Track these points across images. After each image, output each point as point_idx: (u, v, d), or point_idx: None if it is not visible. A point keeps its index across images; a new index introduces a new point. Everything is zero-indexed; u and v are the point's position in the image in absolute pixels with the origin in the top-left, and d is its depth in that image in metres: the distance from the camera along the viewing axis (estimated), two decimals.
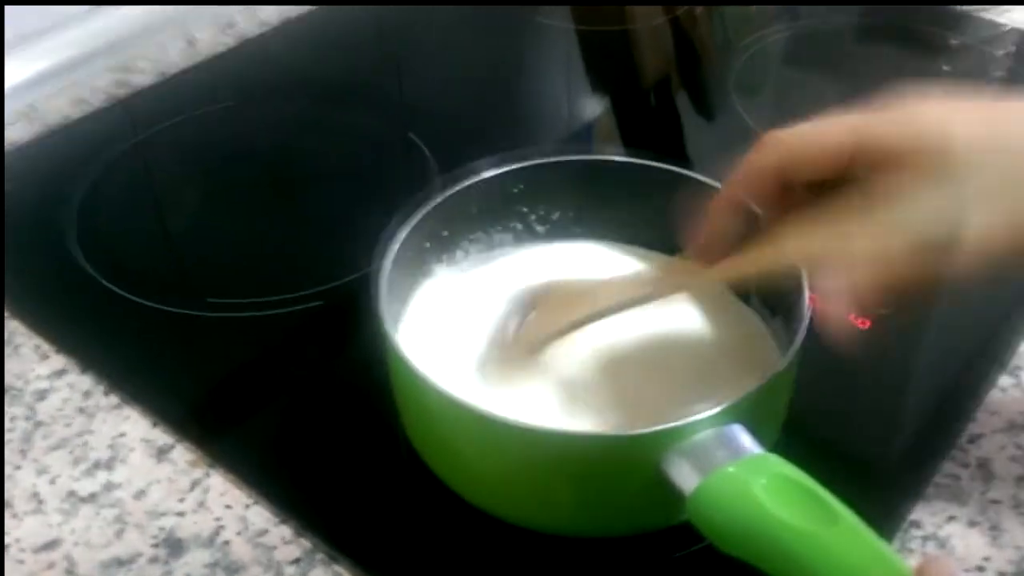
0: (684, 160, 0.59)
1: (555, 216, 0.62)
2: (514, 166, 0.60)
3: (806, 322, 0.48)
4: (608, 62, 0.95)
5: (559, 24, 0.98)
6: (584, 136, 0.85)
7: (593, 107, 0.90)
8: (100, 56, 0.91)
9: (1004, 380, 0.59)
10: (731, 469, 0.43)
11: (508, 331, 0.57)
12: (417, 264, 0.58)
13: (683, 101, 0.90)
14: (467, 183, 0.59)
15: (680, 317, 0.58)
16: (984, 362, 0.60)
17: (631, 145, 0.80)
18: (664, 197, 0.60)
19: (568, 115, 0.89)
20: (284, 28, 0.97)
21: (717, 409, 0.45)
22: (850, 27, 0.97)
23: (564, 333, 0.54)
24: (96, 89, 0.88)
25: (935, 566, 0.36)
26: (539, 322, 0.57)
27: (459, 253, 0.61)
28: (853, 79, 0.86)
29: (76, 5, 0.90)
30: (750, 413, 0.46)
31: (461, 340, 0.57)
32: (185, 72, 0.91)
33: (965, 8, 0.97)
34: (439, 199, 0.58)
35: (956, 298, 0.64)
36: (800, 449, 0.52)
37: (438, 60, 0.93)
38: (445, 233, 0.59)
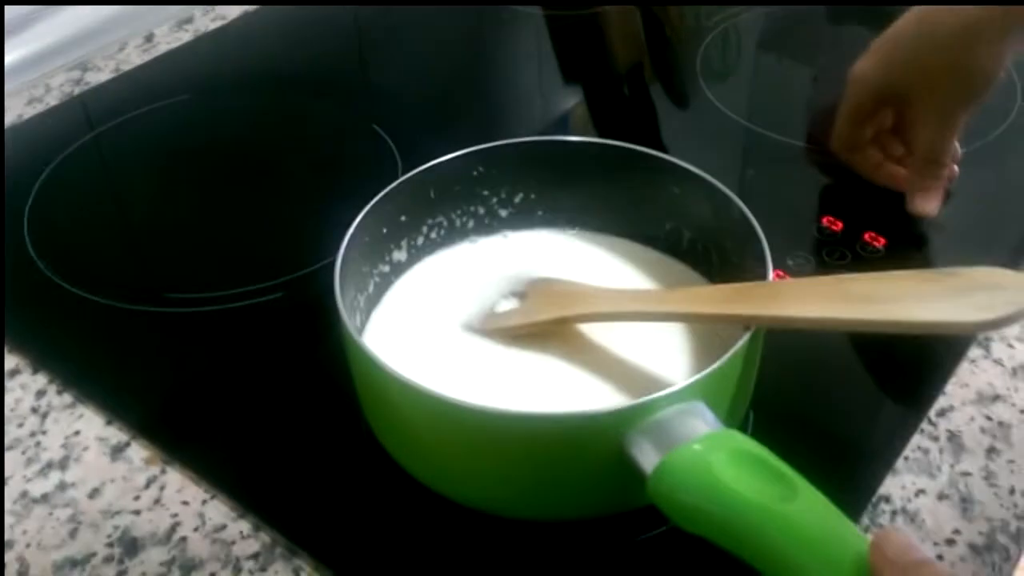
0: (660, 148, 0.58)
1: (517, 199, 0.62)
2: (472, 148, 0.59)
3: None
4: (579, 47, 0.93)
5: (529, 10, 0.97)
6: (559, 128, 0.84)
7: (567, 98, 0.89)
8: (56, 55, 0.90)
9: (974, 351, 0.58)
10: (691, 446, 0.42)
11: (493, 308, 0.57)
12: (377, 252, 0.57)
13: (656, 89, 0.89)
14: (423, 167, 0.58)
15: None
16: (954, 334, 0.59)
17: (607, 135, 0.79)
18: (626, 177, 0.59)
19: (542, 106, 0.88)
20: (242, 23, 0.96)
21: (678, 387, 0.44)
22: (821, 10, 0.96)
23: (544, 326, 0.54)
24: (52, 88, 0.87)
25: (891, 539, 0.35)
26: (525, 310, 0.56)
27: (420, 239, 0.60)
28: (824, 61, 0.86)
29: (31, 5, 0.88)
30: (712, 391, 0.45)
31: (423, 325, 0.56)
32: (142, 68, 0.89)
33: None
34: (395, 184, 0.57)
35: (926, 267, 0.64)
36: (769, 425, 0.52)
37: (403, 51, 0.92)
38: (403, 218, 0.58)
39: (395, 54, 0.92)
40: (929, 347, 0.59)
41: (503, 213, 0.62)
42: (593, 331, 0.55)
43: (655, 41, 0.96)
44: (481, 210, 0.61)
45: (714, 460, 0.41)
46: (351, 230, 0.53)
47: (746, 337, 0.46)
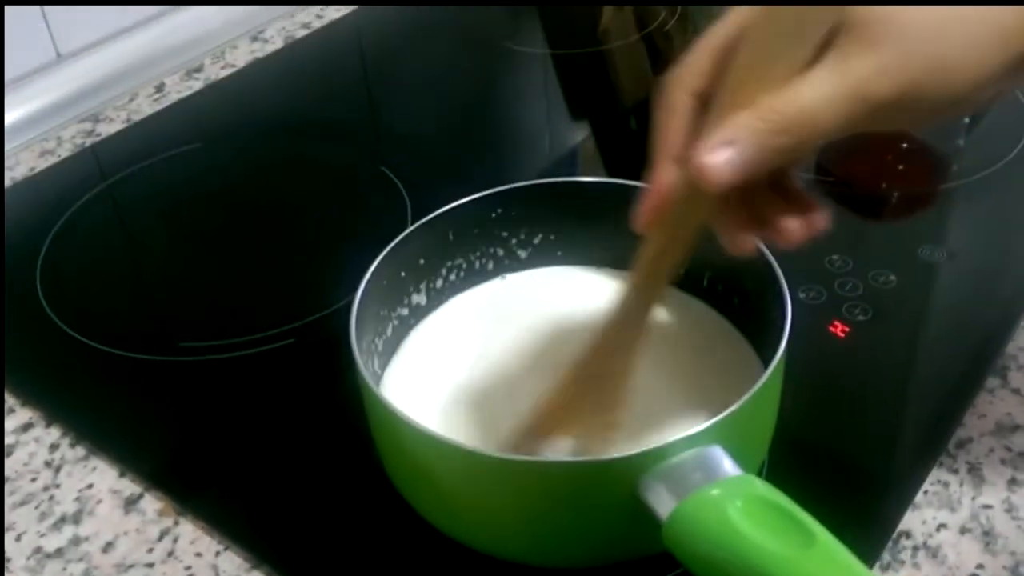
0: None
1: (536, 240, 0.61)
2: (490, 191, 0.59)
3: (784, 343, 0.47)
4: (587, 85, 0.94)
5: (535, 51, 0.98)
6: (568, 165, 0.84)
7: (575, 134, 0.89)
8: (68, 107, 0.90)
9: (991, 381, 0.57)
10: (707, 492, 0.41)
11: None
12: (395, 295, 0.57)
13: None
14: (441, 209, 0.58)
15: (660, 336, 0.57)
16: (970, 364, 0.59)
17: (616, 172, 0.79)
18: None
19: (550, 145, 0.88)
20: (251, 70, 0.96)
21: (693, 431, 0.43)
22: None
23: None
24: (64, 140, 0.87)
25: None
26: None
27: (439, 281, 0.60)
28: None
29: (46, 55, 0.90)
30: (729, 434, 0.45)
31: (443, 371, 0.56)
32: (153, 118, 0.90)
33: None
34: (413, 227, 0.57)
35: (940, 301, 0.63)
36: (787, 460, 0.51)
37: (411, 93, 0.93)
38: (422, 261, 0.58)
39: (403, 96, 0.93)
40: (945, 376, 0.59)
41: (522, 254, 0.62)
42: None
43: (661, 75, 0.96)
44: (500, 251, 0.61)
45: (730, 507, 0.40)
46: (368, 274, 0.53)
47: (764, 379, 0.46)
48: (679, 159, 0.42)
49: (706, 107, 0.42)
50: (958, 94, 0.39)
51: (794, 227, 0.42)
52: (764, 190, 0.43)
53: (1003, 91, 0.42)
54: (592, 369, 0.49)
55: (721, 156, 0.39)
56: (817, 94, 0.38)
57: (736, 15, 0.42)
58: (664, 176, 0.43)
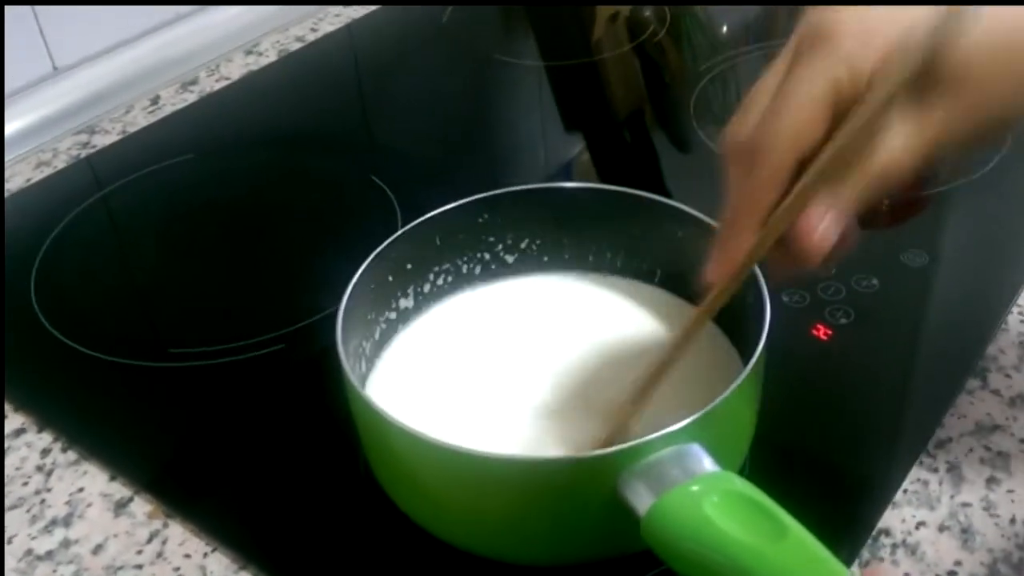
0: (664, 193, 0.58)
1: (523, 245, 0.62)
2: (476, 196, 0.59)
3: (762, 343, 0.48)
4: (580, 97, 0.95)
5: (528, 63, 0.99)
6: (563, 176, 0.85)
7: (569, 146, 0.90)
8: (64, 120, 0.91)
9: (971, 383, 0.58)
10: (684, 488, 0.42)
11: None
12: (383, 299, 0.58)
13: (658, 133, 0.90)
14: (429, 214, 0.58)
15: (646, 335, 0.58)
16: (951, 366, 0.59)
17: (610, 182, 0.80)
18: (630, 222, 0.60)
19: (544, 156, 0.89)
20: (245, 82, 0.97)
21: (672, 429, 0.44)
22: None
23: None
24: (60, 151, 0.88)
25: (879, 573, 0.35)
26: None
27: (427, 286, 0.60)
28: None
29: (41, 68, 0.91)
30: (708, 432, 0.45)
31: (429, 374, 0.57)
32: (148, 129, 0.91)
33: None
34: (400, 231, 0.57)
35: (922, 305, 0.64)
36: (770, 463, 0.52)
37: (405, 106, 0.93)
38: (409, 266, 0.59)
39: (397, 108, 0.93)
40: (926, 378, 0.59)
41: (509, 259, 0.62)
42: (592, 373, 0.55)
43: (654, 86, 0.97)
44: (487, 256, 0.62)
45: (706, 502, 0.41)
46: (355, 278, 0.54)
47: (741, 378, 0.46)
48: (762, 224, 0.42)
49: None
50: (1015, 125, 0.42)
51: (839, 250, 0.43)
52: None
53: None
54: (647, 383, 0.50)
55: (828, 222, 0.41)
56: (905, 149, 0.40)
57: (825, 64, 0.41)
58: (744, 243, 0.43)
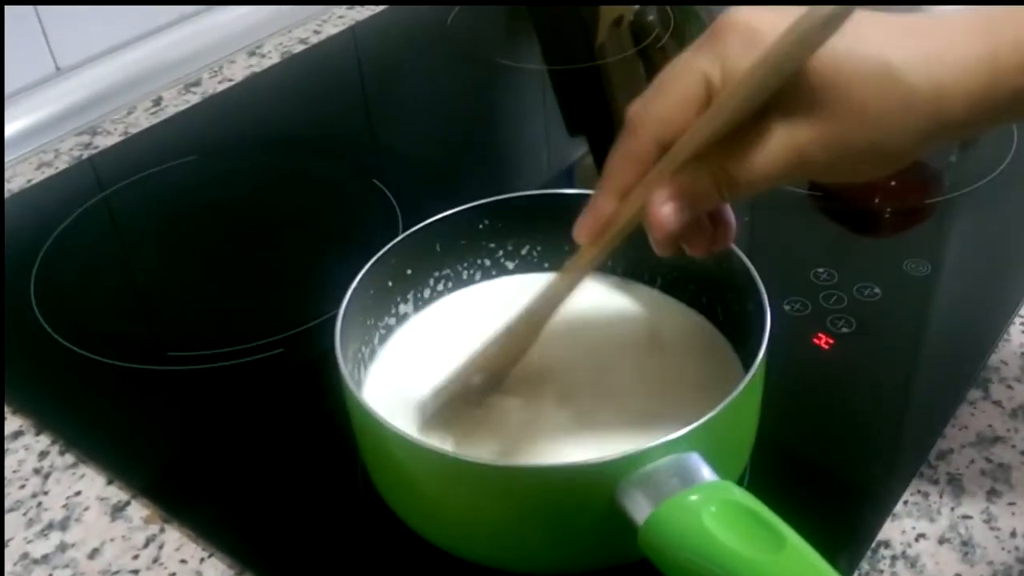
0: None
1: (523, 251, 0.62)
2: (477, 202, 0.59)
3: (762, 353, 0.48)
4: (583, 101, 0.94)
5: (531, 67, 0.99)
6: (566, 180, 0.85)
7: (572, 150, 0.89)
8: (66, 120, 0.91)
9: (973, 394, 0.58)
10: (682, 498, 0.42)
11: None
12: (382, 304, 0.58)
13: None
14: (429, 220, 0.58)
15: (649, 342, 0.58)
16: (953, 377, 0.59)
17: None
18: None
19: (547, 160, 0.88)
20: (248, 84, 0.97)
21: (671, 437, 0.44)
22: None
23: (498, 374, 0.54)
24: (62, 152, 0.88)
25: None
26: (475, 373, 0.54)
27: (426, 291, 0.60)
28: None
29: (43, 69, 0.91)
30: (707, 441, 0.45)
31: (427, 380, 0.56)
32: (150, 131, 0.91)
33: None
34: (400, 237, 0.57)
35: (924, 314, 0.64)
36: (770, 472, 0.52)
37: (407, 110, 0.93)
38: (409, 271, 0.59)
39: (399, 112, 0.93)
40: (928, 388, 0.59)
41: (510, 265, 0.62)
42: (591, 379, 0.55)
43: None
44: (487, 262, 0.62)
45: (704, 512, 0.40)
46: (354, 283, 0.54)
47: (740, 388, 0.46)
48: (624, 193, 0.45)
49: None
50: (887, 166, 0.42)
51: (703, 242, 0.47)
52: None
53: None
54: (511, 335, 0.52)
55: (671, 207, 0.43)
56: (762, 155, 0.41)
57: (705, 60, 0.42)
58: (607, 205, 0.46)
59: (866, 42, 0.40)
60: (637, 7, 1.04)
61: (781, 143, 0.41)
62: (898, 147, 0.42)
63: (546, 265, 0.62)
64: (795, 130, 0.41)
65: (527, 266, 0.62)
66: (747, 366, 0.52)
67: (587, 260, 0.49)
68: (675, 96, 0.43)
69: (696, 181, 0.43)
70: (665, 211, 0.43)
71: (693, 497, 0.42)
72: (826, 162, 0.42)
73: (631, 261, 0.61)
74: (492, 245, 0.61)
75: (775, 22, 0.40)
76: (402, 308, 0.59)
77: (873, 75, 0.40)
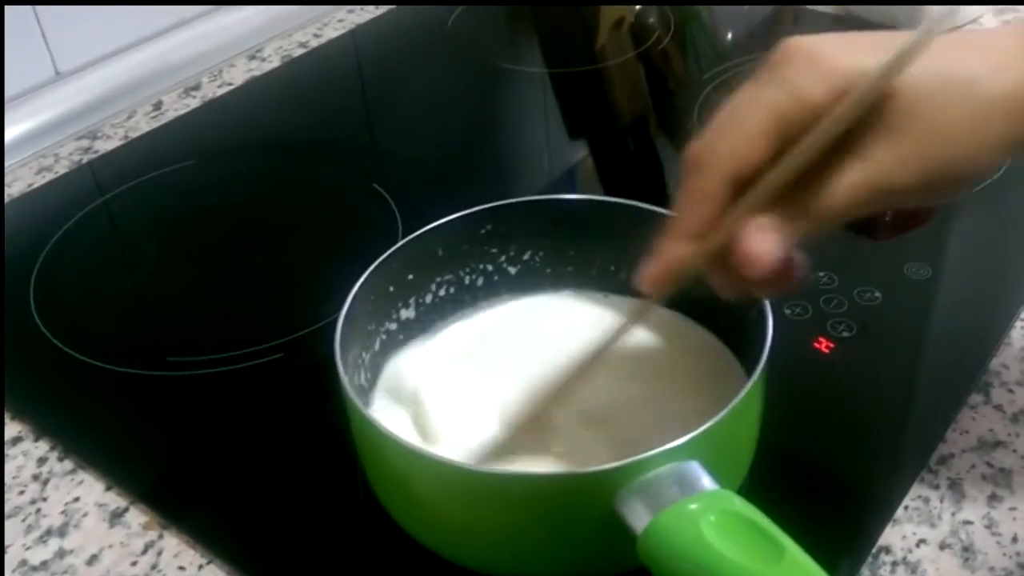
0: (667, 201, 0.57)
1: (526, 257, 0.62)
2: (479, 207, 0.59)
3: (763, 363, 0.47)
4: (584, 104, 0.94)
5: (532, 70, 0.99)
6: (566, 183, 0.84)
7: (573, 153, 0.89)
8: (66, 125, 0.91)
9: (974, 398, 0.58)
10: (681, 506, 0.42)
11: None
12: (383, 309, 0.57)
13: (662, 140, 0.89)
14: (430, 225, 0.58)
15: (650, 351, 0.57)
16: (953, 381, 0.59)
17: (614, 190, 0.79)
18: (634, 235, 0.59)
19: (548, 162, 0.88)
20: (248, 88, 0.97)
21: (671, 446, 0.44)
22: None
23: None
24: (61, 157, 0.88)
25: None
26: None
27: (428, 296, 0.60)
28: None
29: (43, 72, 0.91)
30: (707, 449, 0.45)
31: (430, 385, 0.56)
32: (150, 135, 0.91)
33: None
34: (401, 242, 0.57)
35: (924, 318, 0.64)
36: (769, 477, 0.52)
37: (408, 114, 0.93)
38: (411, 276, 0.59)
39: (400, 116, 0.93)
40: (929, 393, 0.59)
41: (512, 271, 0.62)
42: (591, 387, 0.55)
43: (658, 94, 0.97)
44: (490, 267, 0.61)
45: (703, 521, 0.40)
46: (355, 288, 0.53)
47: (740, 397, 0.46)
48: (695, 235, 0.43)
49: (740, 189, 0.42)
50: (965, 182, 0.42)
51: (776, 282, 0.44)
52: None
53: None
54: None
55: (769, 242, 0.41)
56: (843, 186, 0.41)
57: (772, 90, 0.41)
58: (679, 249, 0.44)
59: (934, 61, 0.40)
60: (638, 9, 1.04)
61: (862, 170, 0.41)
62: (977, 160, 0.41)
63: (548, 271, 0.62)
64: (874, 156, 0.40)
65: (530, 272, 0.62)
66: (749, 373, 0.52)
67: (645, 305, 0.48)
68: (744, 130, 0.41)
69: (788, 218, 0.42)
70: (763, 247, 0.41)
71: (692, 506, 0.42)
72: (907, 185, 0.41)
73: (631, 270, 0.60)
74: (495, 250, 0.61)
75: (838, 46, 0.40)
76: (404, 313, 0.59)
77: (947, 92, 0.40)
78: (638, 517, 0.42)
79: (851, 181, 0.41)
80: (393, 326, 0.59)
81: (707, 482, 0.43)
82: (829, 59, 0.40)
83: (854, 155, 0.41)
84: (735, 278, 0.43)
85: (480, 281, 0.62)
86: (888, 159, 0.40)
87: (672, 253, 0.45)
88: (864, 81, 0.39)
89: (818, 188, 0.41)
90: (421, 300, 0.60)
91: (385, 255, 0.56)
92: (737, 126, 0.42)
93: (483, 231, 0.60)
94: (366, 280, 0.54)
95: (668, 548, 0.41)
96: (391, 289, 0.58)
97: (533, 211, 0.60)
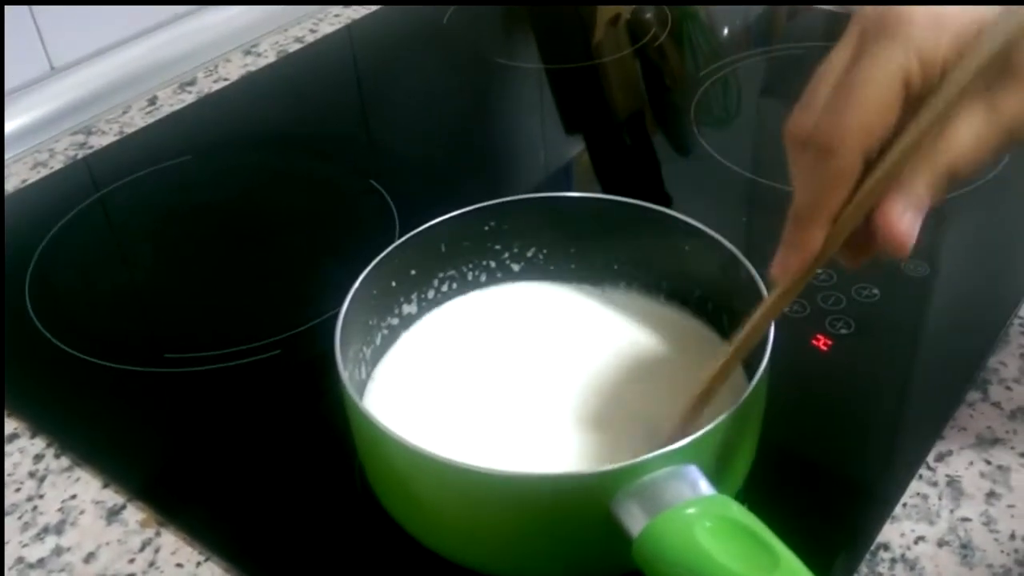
0: (663, 197, 0.57)
1: (529, 253, 0.62)
2: (484, 204, 0.59)
3: (765, 364, 0.47)
4: (580, 100, 0.94)
5: (528, 66, 0.98)
6: (563, 179, 0.84)
7: (569, 148, 0.89)
8: (61, 120, 0.91)
9: (972, 395, 0.58)
10: (677, 511, 0.41)
11: None
12: (385, 304, 0.57)
13: (658, 137, 0.89)
14: (434, 220, 0.58)
15: (652, 352, 0.57)
16: (952, 378, 0.59)
17: (610, 185, 0.79)
18: (637, 233, 0.59)
19: (544, 159, 0.88)
20: (244, 83, 0.97)
21: (668, 449, 0.43)
22: (822, 55, 0.97)
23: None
24: (56, 152, 0.88)
25: None
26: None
27: (431, 292, 0.60)
28: None
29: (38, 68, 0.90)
30: (706, 453, 0.45)
31: (428, 382, 0.56)
32: (145, 130, 0.90)
33: None
34: (404, 237, 0.57)
35: (922, 315, 0.64)
36: (768, 475, 0.51)
37: (404, 109, 0.93)
38: (413, 272, 0.58)
39: (396, 111, 0.93)
40: (927, 390, 0.59)
41: (515, 267, 0.62)
42: (593, 387, 0.55)
43: (655, 90, 0.97)
44: (492, 264, 0.61)
45: (698, 527, 0.40)
46: (357, 282, 0.53)
47: (740, 402, 0.46)
48: (834, 220, 0.41)
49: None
50: None
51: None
52: None
53: None
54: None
55: (911, 216, 0.40)
56: (973, 138, 0.40)
57: (896, 55, 0.40)
58: (817, 239, 0.42)
59: None
60: (634, 6, 1.04)
61: (989, 120, 0.40)
62: None
63: (551, 268, 0.62)
64: (1005, 103, 0.40)
65: (532, 268, 0.62)
66: (749, 375, 0.52)
67: (782, 297, 0.45)
68: (874, 100, 0.40)
69: (921, 182, 0.40)
70: (906, 222, 0.40)
71: (689, 511, 0.41)
72: None
73: (633, 267, 0.60)
74: (498, 247, 0.61)
75: (955, 10, 0.39)
76: (406, 308, 0.59)
77: None
78: (634, 520, 0.42)
79: (982, 133, 0.40)
80: (395, 321, 0.59)
81: (705, 487, 0.43)
82: (948, 15, 0.39)
83: (977, 106, 0.39)
84: (868, 254, 0.42)
85: (483, 277, 0.61)
86: (1014, 104, 0.39)
87: (811, 243, 0.42)
88: (998, 27, 0.38)
89: (950, 145, 0.40)
90: (423, 295, 0.60)
91: (387, 250, 0.56)
92: (864, 97, 0.40)
93: (486, 228, 0.60)
94: (368, 275, 0.54)
95: (663, 552, 0.40)
96: (393, 284, 0.57)
97: (537, 208, 0.60)
